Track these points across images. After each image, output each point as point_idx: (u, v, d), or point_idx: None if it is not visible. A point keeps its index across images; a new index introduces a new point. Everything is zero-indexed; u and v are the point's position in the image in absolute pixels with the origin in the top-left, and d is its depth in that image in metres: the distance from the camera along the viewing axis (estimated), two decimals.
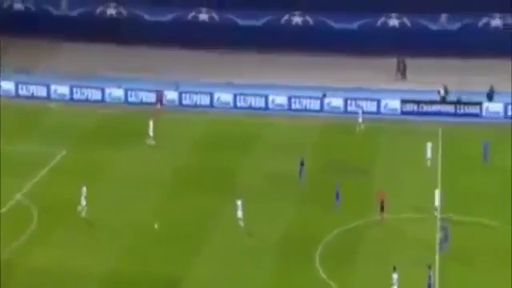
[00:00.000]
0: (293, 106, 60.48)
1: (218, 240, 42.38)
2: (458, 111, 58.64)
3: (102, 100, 61.66)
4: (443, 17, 68.03)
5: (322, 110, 60.11)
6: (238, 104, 60.83)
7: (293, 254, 41.04)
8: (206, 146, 54.03)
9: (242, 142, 54.21)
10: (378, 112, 59.38)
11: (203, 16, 70.93)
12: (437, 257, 40.42)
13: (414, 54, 64.63)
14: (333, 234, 42.77)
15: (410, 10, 67.82)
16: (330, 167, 50.26)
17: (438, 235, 40.80)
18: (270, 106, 60.66)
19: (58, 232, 42.78)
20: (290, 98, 60.58)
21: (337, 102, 60.20)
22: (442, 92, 59.66)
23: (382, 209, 43.84)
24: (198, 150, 53.46)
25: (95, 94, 61.87)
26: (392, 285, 36.19)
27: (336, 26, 68.99)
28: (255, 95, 61.01)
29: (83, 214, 43.93)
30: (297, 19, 70.06)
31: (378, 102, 59.63)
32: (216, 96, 61.12)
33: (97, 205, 44.65)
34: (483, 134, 55.14)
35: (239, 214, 42.38)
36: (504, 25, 67.07)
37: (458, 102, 58.93)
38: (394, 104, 59.48)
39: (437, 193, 43.84)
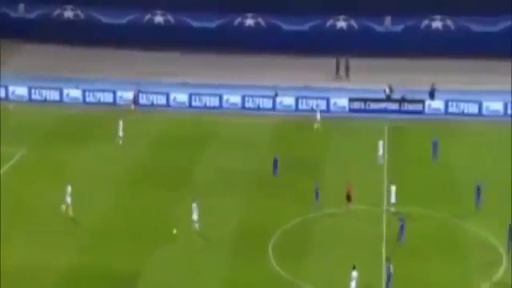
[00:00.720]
0: (246, 105, 60.59)
1: (175, 235, 42.22)
2: (402, 109, 59.30)
3: (60, 100, 61.02)
4: (387, 19, 68.76)
5: (274, 108, 60.31)
6: (194, 103, 60.74)
7: (246, 248, 41.10)
8: (162, 144, 53.81)
9: (197, 140, 54.13)
10: (328, 110, 59.79)
11: (159, 18, 70.65)
12: (383, 249, 40.85)
13: (360, 54, 65.15)
14: (286, 227, 42.98)
15: (357, 13, 68.40)
16: (282, 163, 50.42)
17: (398, 229, 40.71)
18: (225, 105, 60.68)
19: (17, 229, 42.18)
20: (243, 97, 60.69)
21: (288, 100, 60.47)
22: (388, 90, 60.30)
23: (349, 199, 44.20)
24: (155, 148, 53.22)
25: (53, 95, 61.21)
26: (351, 281, 36.10)
27: (287, 27, 69.28)
28: (210, 95, 60.98)
29: (70, 213, 43.41)
30: (249, 21, 70.18)
31: (328, 100, 60.04)
32: (172, 96, 60.90)
33: (56, 202, 44.16)
34: (426, 130, 55.98)
35: (194, 216, 41.70)
36: (444, 26, 68.04)
37: (403, 100, 59.60)
38: (343, 102, 59.94)
39: (393, 188, 43.99)
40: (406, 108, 59.24)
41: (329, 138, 54.96)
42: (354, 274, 36.26)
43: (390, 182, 44.90)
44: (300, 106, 60.17)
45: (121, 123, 53.18)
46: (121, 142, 52.74)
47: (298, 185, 47.58)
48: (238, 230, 42.90)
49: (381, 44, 66.92)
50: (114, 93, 61.13)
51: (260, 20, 70.01)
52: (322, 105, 59.68)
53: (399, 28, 68.47)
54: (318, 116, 56.32)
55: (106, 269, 39.10)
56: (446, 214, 43.97)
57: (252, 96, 60.67)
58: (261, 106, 60.37)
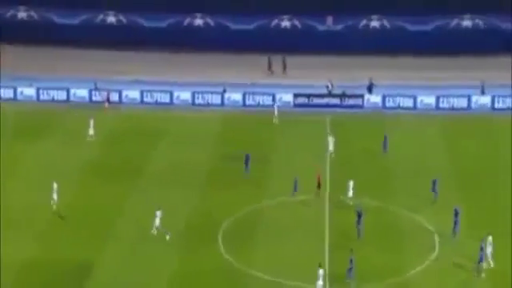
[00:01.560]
0: (196, 101, 60.66)
1: (127, 226, 42.18)
2: (343, 103, 60.06)
3: (14, 98, 60.20)
4: (329, 19, 69.45)
5: (222, 104, 60.49)
6: (145, 100, 60.57)
7: (197, 238, 41.23)
8: (115, 139, 53.55)
9: (149, 136, 54.01)
10: (274, 105, 60.10)
11: (111, 19, 70.13)
12: (326, 237, 41.45)
13: (304, 52, 65.77)
14: (235, 217, 43.22)
15: (300, 13, 68.91)
16: (230, 155, 50.73)
17: (355, 222, 40.76)
18: (175, 101, 60.64)
19: None
20: (193, 94, 60.74)
21: (236, 96, 60.72)
22: (329, 86, 61.00)
23: (319, 186, 44.75)
24: (109, 143, 52.95)
25: (7, 93, 60.34)
26: (317, 280, 35.84)
27: (234, 27, 69.46)
28: (161, 91, 60.83)
29: (54, 208, 42.95)
30: (199, 21, 70.13)
31: (273, 96, 60.47)
32: (124, 93, 60.61)
33: (11, 196, 43.71)
34: (365, 123, 56.80)
35: (157, 222, 40.87)
36: (381, 26, 69.04)
37: (343, 95, 60.36)
38: (288, 97, 60.43)
39: (350, 183, 44.11)
40: (346, 102, 60.01)
41: (275, 132, 55.39)
42: (321, 272, 35.93)
43: (348, 177, 44.82)
44: (247, 102, 60.47)
45: (91, 122, 52.78)
46: (93, 139, 52.21)
47: (246, 176, 47.83)
48: (189, 220, 42.99)
49: (323, 42, 67.58)
50: (68, 91, 60.60)
51: (209, 20, 70.04)
52: (268, 100, 60.15)
53: (340, 27, 69.22)
54: (276, 111, 56.54)
55: (60, 260, 38.87)
56: (383, 203, 44.82)
57: (201, 92, 60.76)
58: (210, 102, 60.51)
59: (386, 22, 68.76)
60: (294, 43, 67.01)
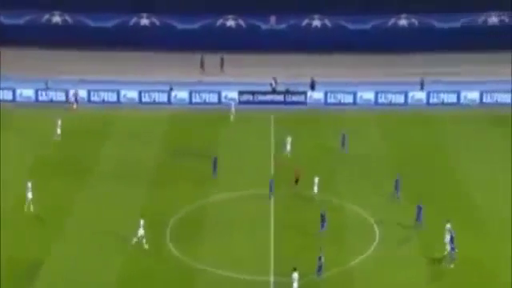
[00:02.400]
0: (143, 100, 59.86)
1: (76, 225, 41.34)
2: (287, 100, 60.01)
3: None
4: (272, 18, 69.39)
5: (169, 102, 59.77)
6: (92, 99, 59.49)
7: (145, 234, 40.65)
8: (64, 138, 52.40)
9: (97, 134, 53.07)
10: (220, 102, 59.81)
11: (57, 19, 68.71)
12: (272, 231, 41.30)
13: (248, 51, 65.55)
14: (182, 214, 42.81)
15: (244, 12, 68.65)
16: (177, 153, 50.22)
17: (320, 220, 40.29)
18: (122, 100, 59.72)
19: None
20: (140, 92, 59.92)
21: (182, 94, 60.07)
22: (273, 83, 60.88)
23: (297, 182, 44.48)
24: (57, 142, 51.79)
25: None
26: (293, 282, 35.36)
27: (180, 26, 68.75)
28: (108, 90, 59.82)
29: (31, 208, 41.85)
30: (145, 21, 69.26)
31: (219, 93, 60.04)
32: (71, 92, 59.39)
33: None
34: (308, 119, 56.88)
35: (141, 231, 39.13)
36: (322, 25, 69.28)
37: (287, 92, 60.33)
38: (233, 95, 60.07)
39: (316, 180, 43.65)
40: (290, 99, 59.97)
41: (221, 128, 55.01)
42: (295, 275, 35.44)
43: (314, 174, 44.29)
44: (194, 100, 59.93)
45: (59, 122, 51.64)
46: (59, 139, 51.16)
47: (194, 172, 47.40)
48: (136, 218, 42.36)
49: (266, 41, 67.48)
50: (14, 91, 59.20)
51: (154, 20, 69.24)
52: (214, 98, 59.72)
53: (283, 26, 69.23)
54: (233, 108, 56.04)
55: (9, 258, 37.92)
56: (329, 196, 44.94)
57: (148, 91, 59.99)
58: (156, 100, 59.75)
59: (327, 22, 69.06)
60: (238, 42, 66.76)
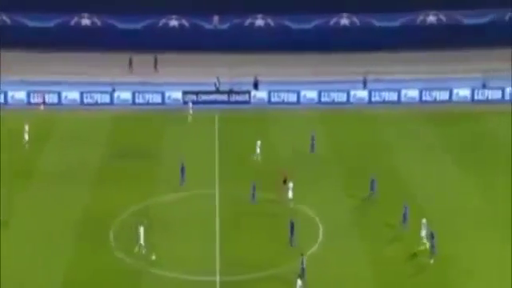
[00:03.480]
0: (85, 101, 58.77)
1: (19, 227, 40.27)
2: (230, 99, 59.73)
3: None
4: (216, 18, 69.05)
5: (112, 103, 58.79)
6: (32, 100, 58.11)
7: (89, 236, 40.04)
8: (4, 141, 51.01)
9: (38, 136, 51.81)
10: (163, 103, 59.18)
11: None
12: (217, 230, 40.96)
13: (191, 50, 65.05)
14: (125, 215, 42.20)
15: (187, 12, 68.12)
16: (121, 154, 49.49)
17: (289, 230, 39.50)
18: (64, 101, 58.54)
19: None
20: (81, 94, 58.81)
21: (125, 95, 59.18)
22: (217, 83, 60.54)
23: (285, 182, 43.55)
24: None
25: None
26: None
27: (122, 26, 67.81)
28: (49, 92, 58.56)
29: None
30: (86, 21, 68.09)
31: (163, 94, 59.39)
32: (10, 94, 57.91)
33: None
34: (252, 118, 56.75)
35: (141, 241, 38.04)
36: (265, 24, 69.29)
37: (231, 92, 60.06)
38: (176, 95, 59.49)
39: (290, 185, 42.85)
40: (234, 99, 59.71)
41: (165, 129, 54.44)
42: (299, 282, 34.87)
43: (288, 179, 43.33)
44: (137, 100, 59.11)
45: (26, 127, 50.36)
46: (27, 146, 49.80)
47: (138, 173, 46.74)
48: (80, 219, 41.64)
49: (210, 41, 67.10)
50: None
51: (96, 19, 68.13)
52: (158, 98, 59.05)
53: (226, 26, 68.96)
54: (191, 110, 55.42)
55: None
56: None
57: (90, 92, 58.92)
58: (99, 102, 58.75)
59: (270, 21, 69.07)
60: (181, 42, 66.19)
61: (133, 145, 51.38)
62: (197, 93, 59.84)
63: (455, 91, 59.44)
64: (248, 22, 69.25)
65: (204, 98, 59.70)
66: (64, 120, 55.43)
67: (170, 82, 61.50)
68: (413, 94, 59.70)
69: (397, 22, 68.52)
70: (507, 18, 68.59)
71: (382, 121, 55.94)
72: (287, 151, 50.42)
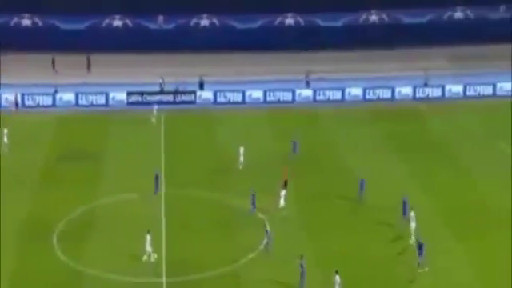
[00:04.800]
0: (26, 103, 57.52)
1: None
2: (176, 99, 59.21)
3: None
4: (160, 18, 68.45)
5: (54, 105, 57.67)
6: None
7: (32, 238, 39.22)
8: None
9: None
10: (107, 104, 58.31)
11: None
12: (163, 231, 40.53)
13: (135, 50, 64.38)
14: (69, 217, 41.46)
15: (132, 12, 67.33)
16: (64, 156, 48.59)
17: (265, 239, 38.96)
18: (4, 103, 57.18)
19: None
20: (22, 95, 57.53)
21: (68, 96, 58.08)
22: (162, 83, 59.96)
23: (285, 184, 42.63)
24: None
25: None
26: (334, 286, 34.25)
27: (64, 26, 66.63)
28: None
29: None
30: (26, 22, 66.73)
31: (107, 94, 58.52)
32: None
33: None
34: (198, 118, 56.39)
35: (148, 247, 37.29)
36: (210, 24, 69.00)
37: (176, 92, 59.55)
38: (121, 96, 58.69)
39: (283, 193, 41.34)
40: (179, 99, 59.21)
41: (109, 131, 53.66)
42: (337, 278, 34.41)
43: (282, 187, 42.15)
44: (80, 102, 58.10)
45: (5, 131, 49.04)
46: (7, 150, 48.47)
47: (81, 175, 45.94)
48: (23, 221, 40.75)
49: (155, 41, 66.45)
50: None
51: (37, 20, 66.77)
52: (101, 99, 58.19)
53: (171, 26, 68.40)
54: (155, 111, 54.71)
55: None
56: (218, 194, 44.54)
57: (31, 94, 57.69)
58: (41, 104, 57.54)
59: (215, 21, 68.82)
60: (126, 42, 65.37)
61: (77, 147, 50.52)
62: (141, 93, 59.17)
63: (397, 89, 60.20)
64: (193, 21, 68.87)
65: (149, 98, 59.05)
66: (5, 121, 54.04)
67: (114, 83, 60.68)
68: (356, 92, 60.22)
69: (340, 21, 69.09)
70: (446, 17, 69.91)
71: (326, 119, 56.27)
72: (234, 151, 50.20)
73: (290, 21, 69.35)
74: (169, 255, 38.10)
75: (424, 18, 69.46)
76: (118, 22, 68.14)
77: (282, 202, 41.71)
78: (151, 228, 40.26)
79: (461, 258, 37.36)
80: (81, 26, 67.08)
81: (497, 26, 68.14)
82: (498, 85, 60.30)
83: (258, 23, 68.89)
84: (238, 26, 68.69)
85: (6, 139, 49.33)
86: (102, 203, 43.31)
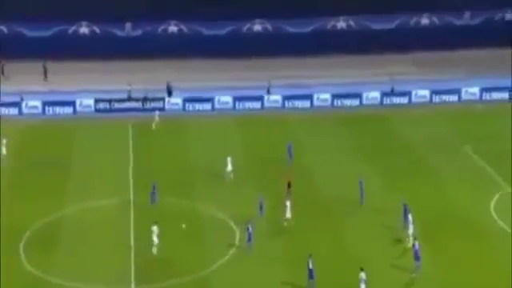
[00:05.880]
0: None
1: None
2: (145, 107, 59.17)
3: None
4: (128, 25, 68.40)
5: (20, 113, 57.28)
6: None
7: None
8: None
9: None
10: (74, 112, 58.09)
11: None
12: (132, 239, 40.51)
13: (103, 58, 64.07)
14: (37, 226, 41.16)
15: (99, 19, 67.13)
16: (31, 165, 48.27)
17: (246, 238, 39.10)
18: None
19: None
20: None
21: (35, 104, 57.67)
22: (130, 90, 59.89)
23: (289, 186, 43.24)
24: None
25: None
26: (360, 283, 34.23)
27: (30, 34, 66.25)
28: None
29: None
30: None
31: (74, 102, 58.27)
32: None
33: None
34: (167, 125, 56.33)
35: (154, 239, 37.78)
36: (178, 30, 69.10)
37: (145, 99, 59.51)
38: (88, 103, 58.46)
39: (288, 203, 40.78)
40: (148, 106, 59.18)
41: (76, 138, 53.44)
42: (362, 275, 34.50)
43: (287, 198, 41.96)
44: (47, 110, 57.76)
45: (4, 141, 48.73)
46: (4, 159, 48.06)
47: (49, 184, 45.72)
48: None
49: (122, 48, 66.35)
50: None
51: (2, 27, 66.30)
52: (69, 109, 57.85)
53: (138, 33, 68.38)
54: (157, 117, 54.58)
55: None
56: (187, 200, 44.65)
57: None
58: (7, 112, 56.88)
59: (183, 27, 68.97)
60: (93, 49, 65.16)
61: (44, 155, 50.16)
62: (109, 101, 59.04)
63: (365, 95, 60.89)
64: (161, 28, 68.93)
65: (117, 105, 58.94)
66: None
67: (82, 90, 60.45)
68: (324, 98, 60.75)
69: (309, 27, 69.70)
70: (412, 23, 70.94)
71: (295, 125, 56.67)
72: (203, 157, 50.39)
73: (258, 27, 69.78)
74: (137, 263, 38.06)
75: (391, 24, 70.38)
76: (84, 29, 67.90)
77: (288, 212, 41.05)
78: (120, 236, 40.29)
79: (426, 258, 37.83)
80: (47, 33, 66.73)
81: (462, 32, 69.42)
82: (463, 90, 61.34)
83: (226, 29, 69.19)
84: (206, 32, 68.91)
85: (4, 150, 48.83)
86: (69, 211, 43.10)
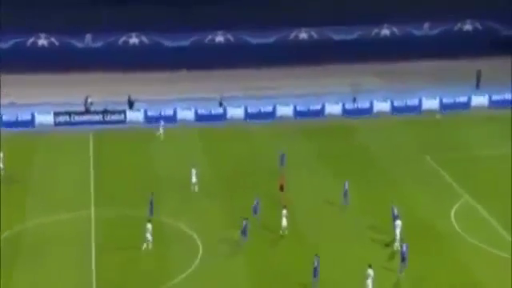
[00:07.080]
0: None
1: None
2: (105, 119, 58.90)
3: None
4: (88, 36, 68.12)
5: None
6: None
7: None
8: None
9: None
10: (33, 125, 57.54)
11: None
12: (93, 253, 40.33)
13: (61, 70, 63.89)
14: None
15: (58, 31, 66.76)
16: None
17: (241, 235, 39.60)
18: None
19: None
20: None
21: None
22: (88, 103, 59.57)
23: (282, 189, 44.19)
24: None
25: None
26: (366, 279, 34.74)
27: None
28: None
29: None
30: None
31: (33, 115, 57.85)
32: None
33: None
34: (128, 137, 56.18)
35: (148, 236, 38.44)
36: (140, 42, 69.01)
37: (105, 112, 59.26)
38: (47, 117, 58.01)
39: (284, 212, 40.93)
40: (108, 118, 58.92)
41: (35, 152, 52.94)
42: (370, 271, 35.03)
43: (284, 206, 41.89)
44: (5, 123, 57.18)
45: (1, 155, 47.88)
46: (2, 173, 47.40)
47: (6, 199, 45.17)
48: None
49: (82, 59, 66.06)
50: None
51: None
52: (27, 120, 57.38)
53: (99, 44, 68.16)
54: (161, 128, 54.77)
55: None
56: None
57: None
58: None
59: (144, 39, 68.95)
60: (52, 61, 64.76)
61: (2, 169, 49.55)
62: (69, 113, 58.68)
63: (327, 105, 61.45)
64: (122, 40, 68.82)
65: (77, 118, 58.60)
66: None
67: (41, 103, 59.97)
68: (287, 109, 61.13)
69: (271, 38, 70.25)
70: (373, 34, 72.02)
71: (257, 136, 56.91)
72: (165, 170, 50.32)
73: (220, 38, 70.09)
74: (99, 277, 37.83)
75: (352, 35, 71.34)
76: (43, 41, 67.44)
77: (284, 222, 41.24)
78: (80, 250, 39.99)
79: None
80: (5, 45, 66.11)
81: (421, 43, 70.70)
82: (424, 99, 62.35)
83: (189, 41, 69.37)
84: (168, 43, 68.98)
85: (1, 164, 48.37)
86: (28, 226, 42.59)
